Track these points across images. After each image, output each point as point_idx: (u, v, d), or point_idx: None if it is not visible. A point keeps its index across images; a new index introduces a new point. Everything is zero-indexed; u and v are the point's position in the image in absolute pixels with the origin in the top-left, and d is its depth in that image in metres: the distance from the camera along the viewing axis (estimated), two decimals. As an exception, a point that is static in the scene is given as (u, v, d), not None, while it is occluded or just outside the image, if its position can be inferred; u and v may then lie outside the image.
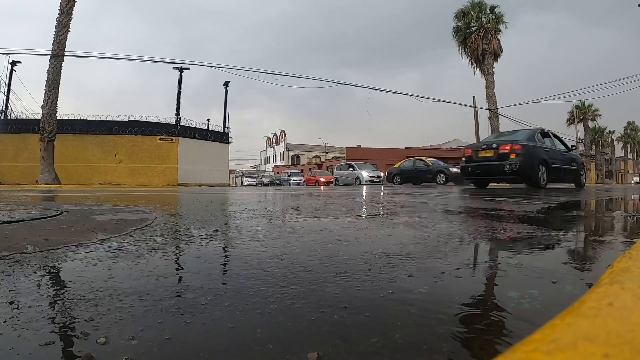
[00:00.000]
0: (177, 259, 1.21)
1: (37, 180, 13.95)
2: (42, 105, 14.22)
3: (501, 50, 22.45)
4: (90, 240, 1.45)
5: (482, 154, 8.35)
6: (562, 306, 0.52)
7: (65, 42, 14.20)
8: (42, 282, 0.90)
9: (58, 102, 14.38)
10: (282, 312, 0.70)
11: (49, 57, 14.06)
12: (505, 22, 22.36)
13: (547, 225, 1.98)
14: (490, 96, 21.90)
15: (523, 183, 8.25)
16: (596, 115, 37.87)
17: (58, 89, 14.30)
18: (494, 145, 8.18)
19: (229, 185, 23.14)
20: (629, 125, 49.84)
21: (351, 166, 19.05)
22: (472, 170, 8.61)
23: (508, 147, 7.86)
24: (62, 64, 14.35)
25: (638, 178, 31.44)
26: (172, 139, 18.45)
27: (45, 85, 14.12)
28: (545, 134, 8.87)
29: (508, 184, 9.76)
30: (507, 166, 7.75)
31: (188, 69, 18.97)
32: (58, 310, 0.71)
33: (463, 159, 9.00)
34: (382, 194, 6.21)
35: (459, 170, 14.52)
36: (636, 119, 50.18)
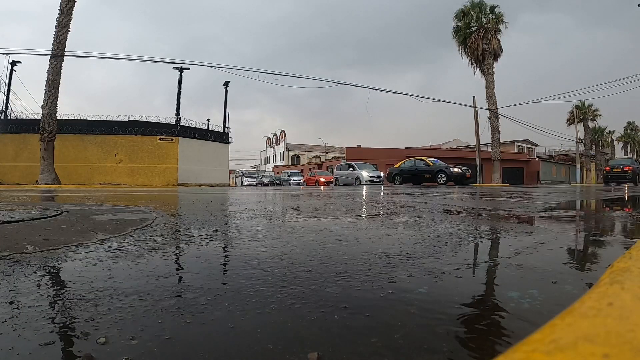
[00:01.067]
0: (177, 259, 1.21)
1: (37, 180, 13.95)
2: (42, 105, 14.21)
3: (501, 50, 22.44)
4: (90, 240, 1.45)
5: (615, 170, 18.46)
6: (561, 306, 0.52)
7: (65, 42, 14.20)
8: (42, 282, 0.90)
9: (58, 102, 14.39)
10: (282, 312, 0.70)
11: (49, 57, 14.05)
12: (505, 22, 22.36)
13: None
14: (490, 96, 21.89)
15: (632, 183, 17.39)
16: (596, 115, 37.78)
17: (58, 89, 14.30)
18: (621, 166, 18.42)
19: (229, 185, 23.14)
20: (629, 125, 49.74)
21: (351, 166, 19.02)
22: (610, 177, 18.52)
23: (628, 167, 18.04)
24: (62, 64, 14.34)
25: None
26: (172, 139, 18.44)
27: (45, 85, 14.11)
28: (637, 160, 20.12)
29: (614, 184, 17.73)
30: (628, 176, 17.79)
31: (188, 69, 18.97)
32: (58, 310, 0.71)
33: (604, 171, 19.39)
34: (382, 194, 6.21)
35: (459, 170, 14.58)
36: (636, 119, 50.10)
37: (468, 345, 0.57)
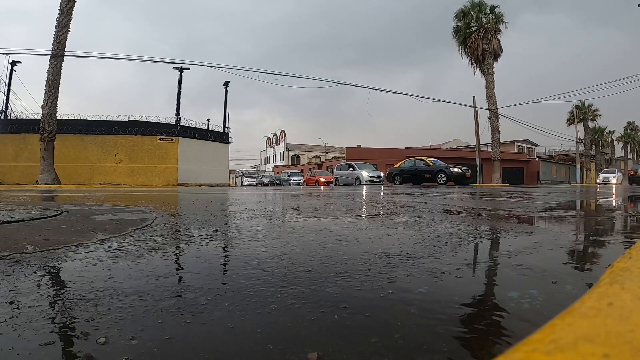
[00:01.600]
0: (177, 259, 1.21)
1: (37, 180, 13.95)
2: (42, 105, 14.21)
3: (501, 50, 22.45)
4: (90, 240, 1.45)
5: (639, 173, 21.06)
6: (561, 306, 0.52)
7: (65, 42, 14.19)
8: (42, 282, 0.90)
9: (58, 102, 14.38)
10: (282, 312, 0.70)
11: (49, 57, 14.05)
12: (505, 22, 22.38)
13: None
14: (490, 96, 21.89)
15: None
16: (596, 115, 37.81)
17: (58, 89, 14.30)
18: None
19: (229, 185, 23.14)
20: (629, 125, 49.73)
21: (351, 166, 19.02)
22: (635, 179, 20.79)
23: None
24: (62, 64, 14.34)
25: (612, 175, 27.03)
26: (172, 139, 18.44)
27: (45, 85, 14.11)
28: None
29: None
30: None
31: (188, 69, 18.97)
32: (58, 310, 0.71)
33: (629, 174, 22.05)
34: (382, 194, 6.21)
35: (459, 170, 14.58)
36: (636, 119, 50.10)
37: (468, 345, 0.57)
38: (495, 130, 21.79)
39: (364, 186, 14.15)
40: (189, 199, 4.70)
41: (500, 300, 0.77)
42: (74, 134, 17.32)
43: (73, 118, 17.69)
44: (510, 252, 1.26)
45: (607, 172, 29.03)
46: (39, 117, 14.33)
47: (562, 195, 5.93)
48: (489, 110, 21.95)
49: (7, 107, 17.77)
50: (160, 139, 18.34)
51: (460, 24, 22.91)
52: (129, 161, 17.97)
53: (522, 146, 43.55)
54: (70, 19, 14.28)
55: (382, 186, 14.18)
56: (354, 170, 18.51)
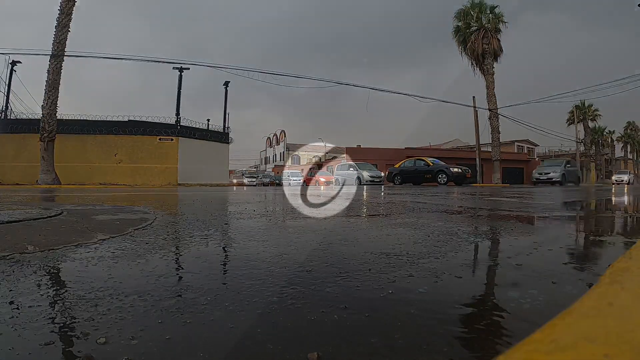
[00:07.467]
0: (177, 258, 1.21)
1: (37, 180, 13.94)
2: (42, 105, 14.21)
3: (501, 50, 22.43)
4: (90, 240, 1.45)
5: None
6: (561, 306, 0.52)
7: (65, 42, 14.19)
8: (42, 282, 0.90)
9: (58, 102, 14.38)
10: (282, 312, 0.70)
11: (49, 57, 14.04)
12: (505, 22, 22.36)
13: None
14: (490, 96, 21.89)
15: None
16: (596, 115, 37.82)
17: (58, 89, 14.29)
18: None
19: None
20: (629, 125, 49.74)
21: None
22: None
23: None
24: (62, 64, 14.34)
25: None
26: (172, 139, 18.44)
27: (45, 85, 14.10)
28: None
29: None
30: None
31: (188, 69, 18.96)
32: (58, 310, 0.71)
33: None
34: (382, 194, 6.21)
35: (459, 170, 14.58)
36: (636, 119, 50.07)
37: (468, 345, 0.57)
38: (495, 130, 21.78)
39: (364, 186, 14.15)
40: (189, 199, 4.70)
41: (500, 300, 0.77)
42: (74, 134, 17.31)
43: (73, 118, 17.68)
44: (511, 252, 1.26)
45: (620, 173, 34.64)
46: (39, 117, 14.32)
47: (562, 195, 5.93)
48: (489, 110, 21.93)
49: (7, 107, 17.78)
50: (160, 139, 18.34)
51: (460, 24, 22.90)
52: (129, 161, 17.97)
53: (522, 146, 43.55)
54: (70, 19, 14.27)
55: (382, 186, 14.18)
56: (354, 170, 18.49)
